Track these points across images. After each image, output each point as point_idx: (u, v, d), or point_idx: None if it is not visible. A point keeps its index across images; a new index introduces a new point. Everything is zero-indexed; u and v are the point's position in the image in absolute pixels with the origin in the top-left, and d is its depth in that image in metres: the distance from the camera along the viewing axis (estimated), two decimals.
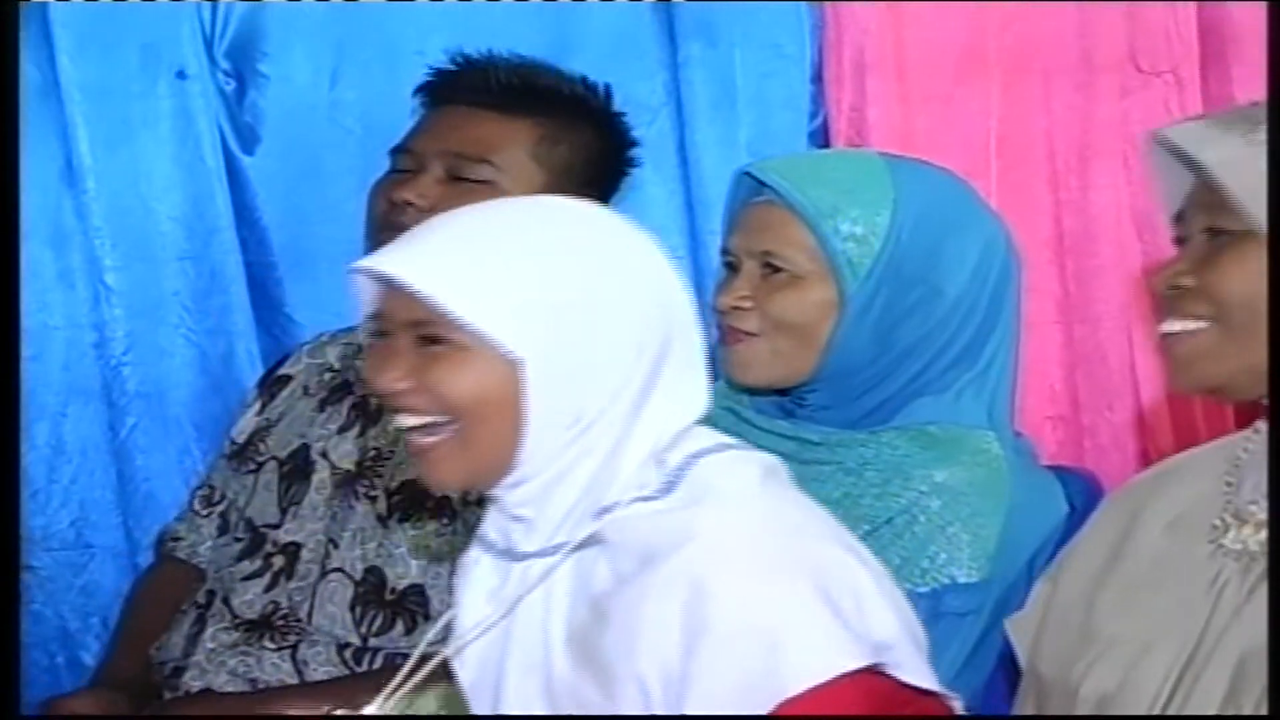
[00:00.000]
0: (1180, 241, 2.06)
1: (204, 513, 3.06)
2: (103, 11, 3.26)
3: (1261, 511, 2.00)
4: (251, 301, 3.40)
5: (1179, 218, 2.08)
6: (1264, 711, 1.88)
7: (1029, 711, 2.10)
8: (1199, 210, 2.02)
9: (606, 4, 3.37)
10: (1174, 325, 2.02)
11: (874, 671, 1.97)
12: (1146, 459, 3.22)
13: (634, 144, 3.04)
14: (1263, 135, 1.96)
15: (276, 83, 3.34)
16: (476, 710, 2.16)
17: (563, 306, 2.03)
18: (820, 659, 1.95)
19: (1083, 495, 2.57)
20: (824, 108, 3.35)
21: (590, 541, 2.05)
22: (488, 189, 2.83)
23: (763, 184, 2.57)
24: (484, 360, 2.00)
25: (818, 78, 3.36)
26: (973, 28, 3.34)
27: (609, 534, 2.05)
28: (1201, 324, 2.00)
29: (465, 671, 2.14)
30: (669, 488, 2.05)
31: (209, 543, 3.03)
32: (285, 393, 3.08)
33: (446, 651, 2.12)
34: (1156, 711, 1.96)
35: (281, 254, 3.40)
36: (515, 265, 2.03)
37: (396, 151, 2.95)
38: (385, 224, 2.85)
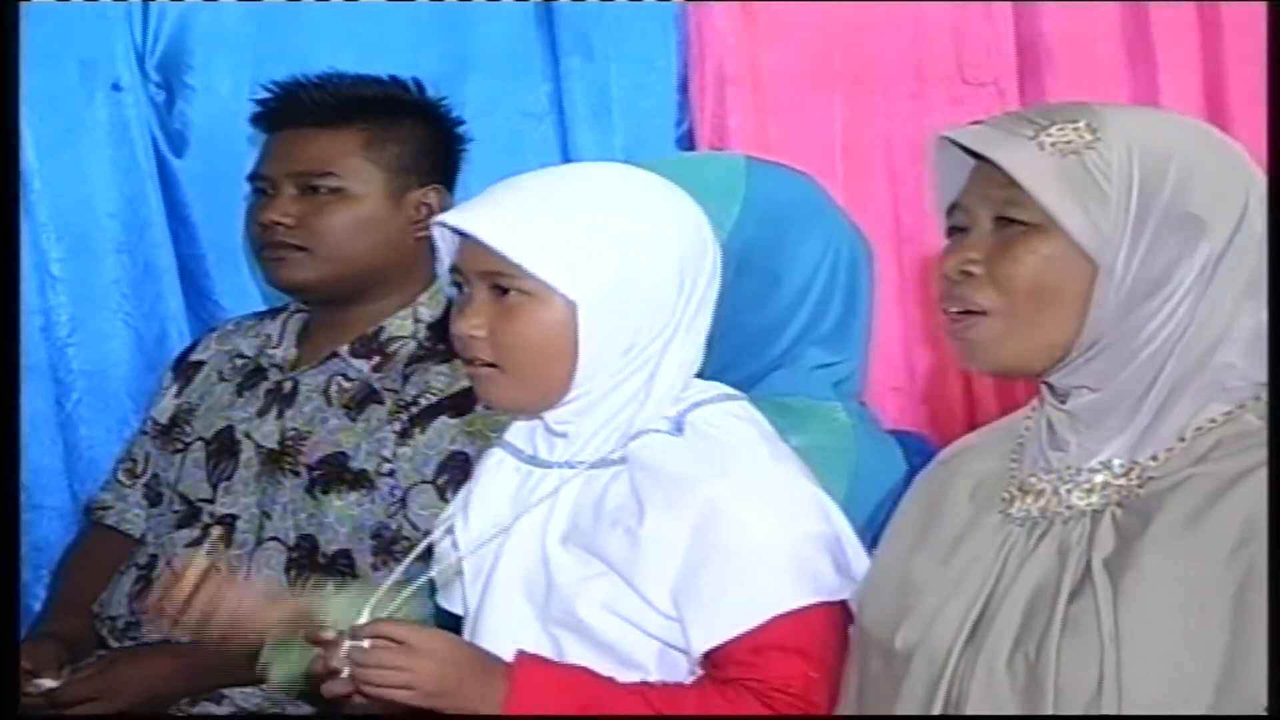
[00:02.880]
0: (953, 231, 2.04)
1: (128, 483, 3.07)
2: (46, 30, 3.26)
3: (1040, 483, 2.01)
4: (182, 290, 3.43)
5: (953, 209, 2.05)
6: (1049, 653, 1.88)
7: (855, 667, 2.09)
8: (984, 202, 1.99)
9: (496, 22, 3.39)
10: (957, 308, 2.01)
11: (843, 604, 2.09)
12: (974, 422, 3.23)
13: (460, 123, 3.07)
14: (1050, 135, 1.95)
15: (202, 93, 3.37)
16: (470, 591, 2.20)
17: (611, 254, 2.09)
18: (811, 585, 2.07)
19: (919, 456, 2.52)
20: (689, 116, 3.39)
21: (608, 462, 2.13)
22: (337, 195, 2.93)
23: None
24: (546, 304, 2.08)
25: (684, 89, 3.40)
26: (820, 45, 3.38)
27: (636, 456, 2.12)
28: (986, 313, 1.98)
29: (468, 564, 2.20)
30: (678, 428, 2.12)
31: (136, 510, 3.04)
32: (200, 377, 3.08)
33: (464, 551, 2.16)
34: (955, 653, 1.95)
35: (209, 247, 3.42)
36: (572, 221, 2.10)
37: (253, 178, 3.00)
38: (263, 243, 2.96)
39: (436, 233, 2.15)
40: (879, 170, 3.39)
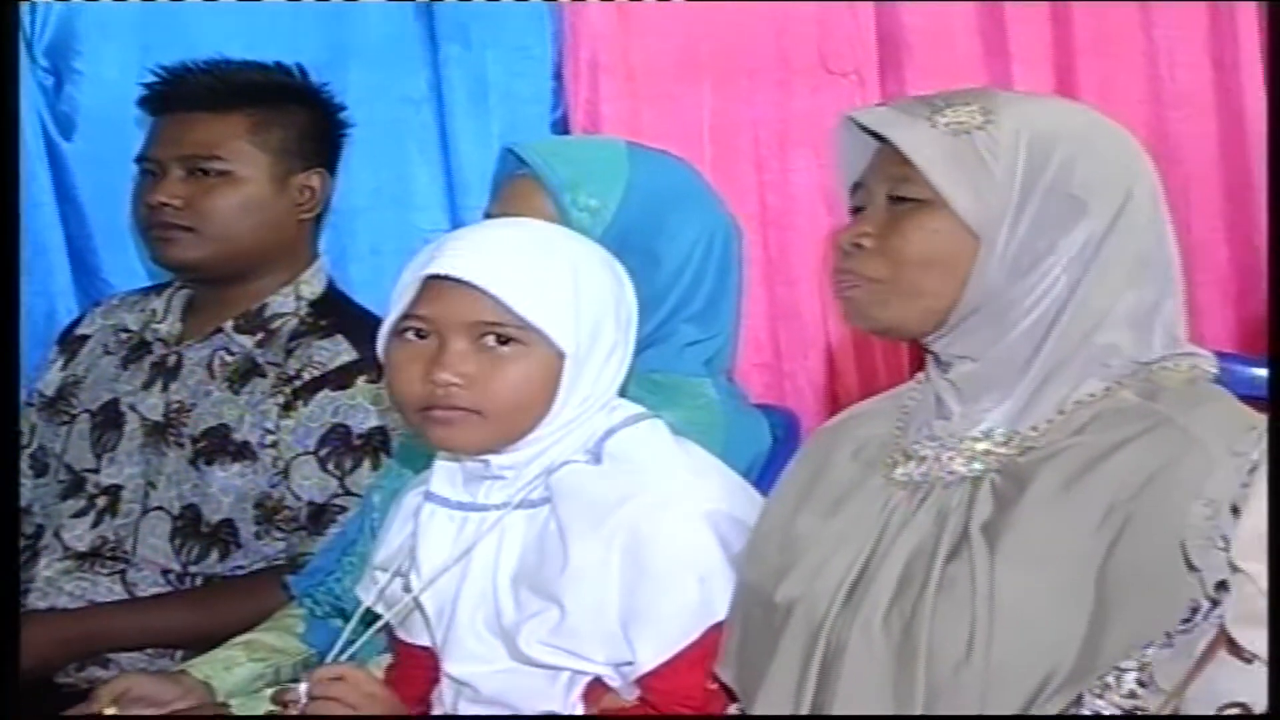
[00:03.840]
0: (856, 210, 2.07)
1: None
2: None
3: (924, 449, 2.04)
4: (70, 267, 3.41)
5: (856, 188, 2.08)
6: (926, 609, 1.90)
7: (737, 622, 2.09)
8: (881, 181, 2.02)
9: (378, 12, 3.39)
10: (848, 280, 2.03)
11: None
12: (836, 398, 3.31)
13: (342, 109, 3.06)
14: (944, 116, 1.98)
15: (90, 79, 3.36)
16: (435, 631, 2.21)
17: (589, 307, 2.12)
18: (730, 591, 2.09)
19: (784, 428, 2.64)
20: (564, 102, 3.40)
21: (542, 499, 2.14)
22: (224, 178, 2.93)
23: (522, 160, 2.56)
24: (537, 355, 2.09)
25: (558, 76, 3.40)
26: (688, 34, 3.39)
27: (559, 488, 2.13)
28: (875, 282, 2.01)
29: (429, 603, 2.20)
30: (596, 459, 2.13)
31: (21, 481, 3.00)
32: (85, 351, 3.07)
33: (417, 591, 2.18)
34: (834, 608, 1.97)
35: (96, 227, 3.41)
36: (561, 274, 2.11)
37: (140, 160, 2.99)
38: (150, 223, 2.95)
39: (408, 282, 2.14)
40: (745, 155, 3.41)
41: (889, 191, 2.02)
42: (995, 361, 2.00)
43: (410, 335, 2.12)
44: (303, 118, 3.00)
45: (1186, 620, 1.75)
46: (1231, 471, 1.76)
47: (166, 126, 2.98)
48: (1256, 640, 1.58)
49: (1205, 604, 1.73)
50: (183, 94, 2.97)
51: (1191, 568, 1.77)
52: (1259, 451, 1.72)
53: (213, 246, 2.93)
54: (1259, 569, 1.59)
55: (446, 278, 2.09)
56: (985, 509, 1.94)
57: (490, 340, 2.08)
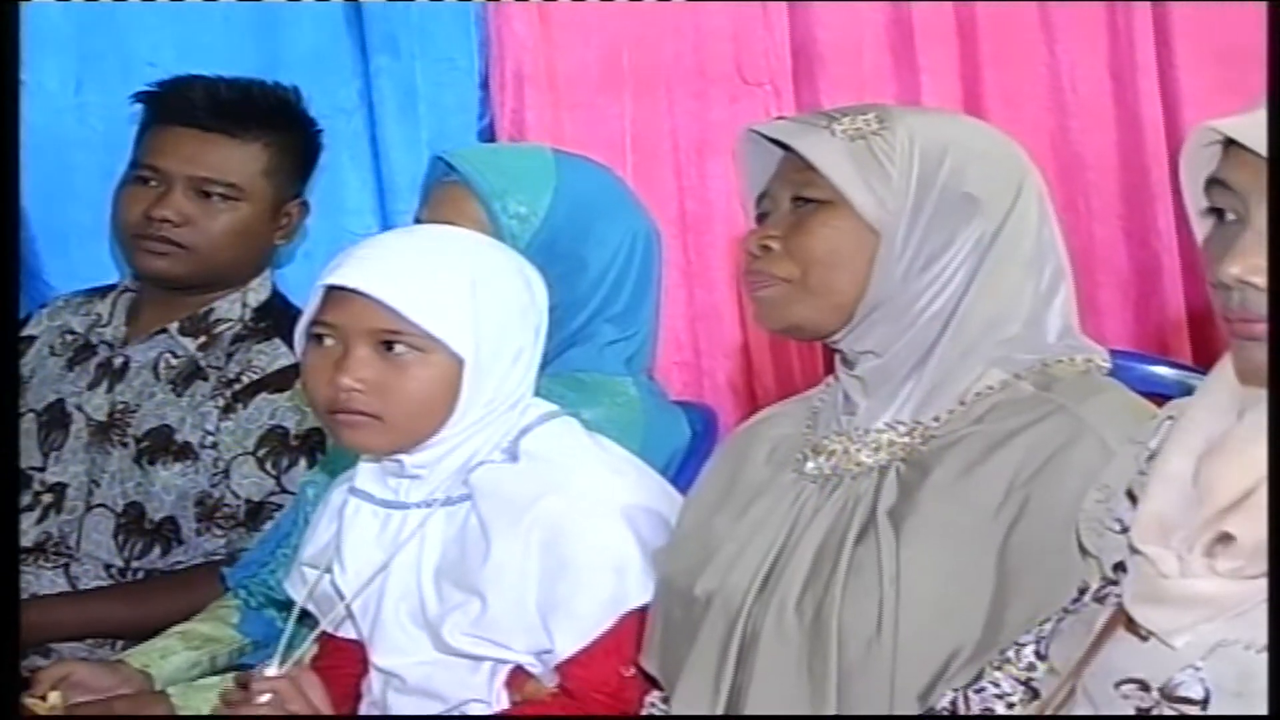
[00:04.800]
0: (762, 217, 2.10)
1: None
2: None
3: (832, 444, 2.07)
4: None
5: (761, 197, 2.11)
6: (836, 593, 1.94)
7: (659, 618, 2.12)
8: (785, 186, 2.06)
9: (309, 22, 3.38)
10: (757, 281, 2.07)
11: None
12: (753, 395, 3.31)
13: (321, 132, 3.06)
14: (842, 125, 2.03)
15: (31, 88, 3.30)
16: (361, 625, 2.24)
17: (490, 314, 2.14)
18: (647, 580, 2.12)
19: (702, 424, 2.66)
20: (490, 111, 3.38)
21: (463, 497, 2.17)
22: (229, 204, 2.91)
23: (452, 167, 2.56)
24: (434, 361, 2.12)
25: (485, 86, 3.39)
26: (610, 46, 3.39)
27: (478, 486, 2.16)
28: (783, 282, 2.05)
29: (356, 602, 2.22)
30: (513, 457, 2.16)
31: None
32: (32, 352, 3.05)
33: (350, 598, 2.20)
34: (751, 596, 2.01)
35: (39, 230, 3.38)
36: (459, 282, 2.13)
37: (141, 167, 2.94)
38: (143, 233, 2.92)
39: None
40: (665, 162, 3.42)
41: (793, 194, 2.06)
42: (898, 356, 2.04)
43: (319, 340, 2.15)
44: (300, 145, 3.02)
45: (1075, 600, 1.81)
46: (1129, 459, 1.82)
47: (179, 140, 2.93)
48: (1153, 618, 1.63)
49: (1094, 583, 1.79)
50: (203, 109, 2.93)
51: (1084, 551, 1.83)
52: (1156, 441, 1.78)
53: (199, 265, 2.93)
54: (1159, 552, 1.64)
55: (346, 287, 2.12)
56: (891, 495, 1.98)
57: (390, 347, 2.11)
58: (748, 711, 1.98)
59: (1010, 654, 1.84)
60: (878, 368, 2.06)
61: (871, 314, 2.03)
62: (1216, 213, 1.64)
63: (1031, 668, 1.83)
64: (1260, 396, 1.61)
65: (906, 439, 2.03)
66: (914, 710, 1.88)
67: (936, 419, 2.02)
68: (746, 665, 1.99)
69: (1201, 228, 1.68)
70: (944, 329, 2.02)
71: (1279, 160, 1.56)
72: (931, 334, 2.03)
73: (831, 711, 1.91)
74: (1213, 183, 1.64)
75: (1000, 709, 1.83)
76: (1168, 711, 1.62)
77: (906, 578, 1.91)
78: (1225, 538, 1.60)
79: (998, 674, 1.84)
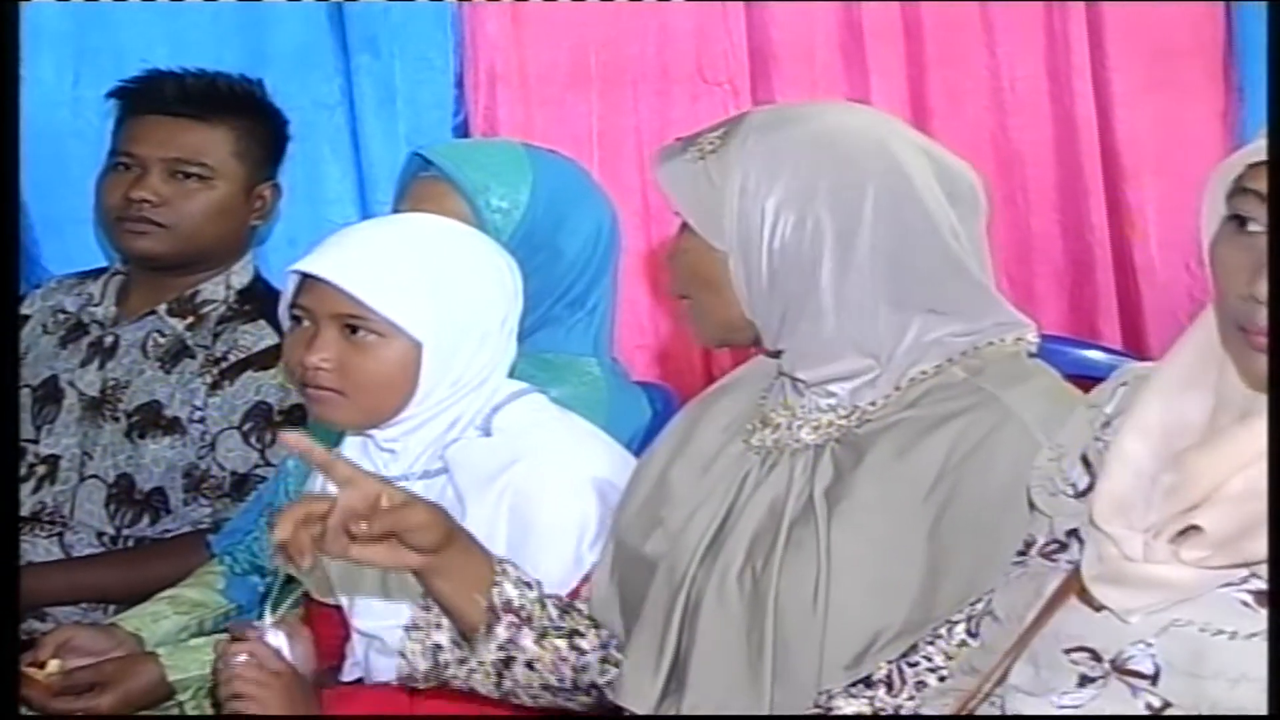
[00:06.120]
0: (686, 226, 2.08)
1: None
2: None
3: (778, 417, 2.07)
4: None
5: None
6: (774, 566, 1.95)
7: (615, 568, 2.13)
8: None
9: (293, 21, 3.39)
10: (678, 293, 2.10)
11: None
12: (711, 377, 3.19)
13: (288, 122, 3.10)
14: (695, 147, 2.03)
15: (29, 82, 3.29)
16: (340, 590, 2.28)
17: (451, 300, 2.18)
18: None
19: (663, 403, 2.68)
20: (464, 108, 3.40)
21: (439, 471, 2.23)
22: (203, 183, 2.96)
23: (429, 162, 2.57)
24: (393, 344, 2.17)
25: (460, 84, 3.40)
26: (578, 47, 3.41)
27: (453, 460, 2.22)
28: (686, 299, 2.08)
29: (335, 567, 2.26)
30: (487, 432, 2.21)
31: None
32: (26, 330, 3.07)
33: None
34: (695, 562, 2.01)
35: (36, 217, 3.40)
36: (418, 269, 2.19)
37: (119, 154, 2.99)
38: (124, 215, 2.96)
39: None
40: (629, 157, 3.43)
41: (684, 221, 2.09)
42: (815, 352, 2.03)
43: (298, 321, 2.22)
44: (268, 130, 3.06)
45: (1021, 553, 1.80)
46: (1083, 422, 1.81)
47: (151, 127, 2.98)
48: (1113, 596, 1.62)
49: (1040, 539, 1.77)
50: (173, 98, 2.98)
51: (1033, 506, 1.82)
52: (1112, 406, 1.78)
53: (179, 243, 2.97)
54: (1123, 533, 1.63)
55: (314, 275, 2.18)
56: (826, 476, 1.99)
57: (354, 330, 2.17)
58: (692, 674, 2.00)
59: (943, 630, 1.86)
60: (799, 361, 2.06)
61: (772, 324, 2.04)
62: (1236, 219, 1.59)
63: (963, 644, 1.84)
64: (1262, 401, 1.58)
65: (844, 421, 2.03)
66: (840, 678, 1.89)
67: (873, 403, 2.02)
68: (690, 631, 2.01)
69: (1210, 229, 1.63)
70: (843, 326, 2.01)
71: (1279, 160, 1.53)
72: (841, 330, 2.01)
73: (769, 678, 1.94)
74: (1241, 190, 1.58)
75: (933, 681, 1.85)
76: (1115, 683, 1.61)
77: (841, 557, 1.92)
78: (1193, 529, 1.58)
79: (930, 649, 1.86)
